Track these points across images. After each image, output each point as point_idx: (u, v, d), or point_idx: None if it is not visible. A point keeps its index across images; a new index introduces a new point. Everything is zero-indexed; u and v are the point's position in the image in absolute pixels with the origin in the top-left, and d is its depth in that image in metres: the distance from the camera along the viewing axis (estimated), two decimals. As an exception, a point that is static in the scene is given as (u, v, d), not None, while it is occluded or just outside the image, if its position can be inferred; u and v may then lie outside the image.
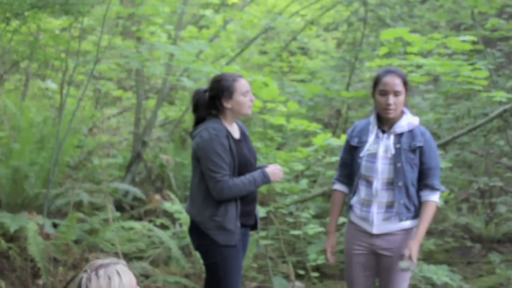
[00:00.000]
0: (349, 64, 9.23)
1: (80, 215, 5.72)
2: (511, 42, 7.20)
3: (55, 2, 4.62)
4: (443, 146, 6.24)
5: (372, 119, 3.74)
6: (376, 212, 3.64)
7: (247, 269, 5.85)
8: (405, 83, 3.63)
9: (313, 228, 6.03)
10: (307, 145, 7.23)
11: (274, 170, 3.70)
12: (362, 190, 3.70)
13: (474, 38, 6.10)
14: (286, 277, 5.90)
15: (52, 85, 8.73)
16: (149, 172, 8.27)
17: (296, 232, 6.03)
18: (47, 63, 8.30)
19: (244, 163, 3.66)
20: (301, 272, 5.96)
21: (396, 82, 3.60)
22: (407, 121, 3.64)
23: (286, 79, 10.17)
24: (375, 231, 3.66)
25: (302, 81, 9.98)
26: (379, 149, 3.63)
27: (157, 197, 7.52)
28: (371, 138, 3.68)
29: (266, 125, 6.70)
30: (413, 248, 3.55)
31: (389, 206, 3.62)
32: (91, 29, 7.28)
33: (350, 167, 3.81)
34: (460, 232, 7.49)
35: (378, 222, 3.64)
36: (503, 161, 7.85)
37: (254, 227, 3.89)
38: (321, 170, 7.05)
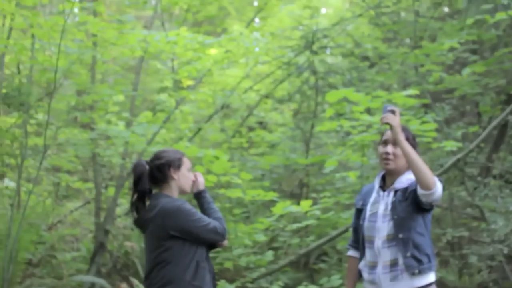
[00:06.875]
0: (305, 133, 9.32)
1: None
2: (455, 94, 7.37)
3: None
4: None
5: (377, 180, 3.65)
6: (381, 273, 3.45)
7: None
8: (408, 138, 3.45)
9: (283, 300, 5.91)
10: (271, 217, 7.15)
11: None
12: (367, 253, 3.55)
13: (417, 92, 6.22)
14: None
15: (10, 183, 8.59)
16: (114, 261, 8.09)
17: (265, 305, 5.89)
18: (3, 161, 8.20)
19: None
20: None
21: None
22: (408, 177, 3.48)
23: (247, 154, 10.19)
24: None
25: (263, 154, 9.99)
26: (379, 208, 3.52)
27: (124, 286, 7.33)
28: (372, 198, 3.59)
29: (221, 199, 6.63)
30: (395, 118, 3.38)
31: (393, 264, 3.43)
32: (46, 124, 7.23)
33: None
34: (434, 288, 7.37)
35: (386, 283, 3.44)
36: (467, 211, 7.86)
37: None
38: (286, 240, 6.96)
